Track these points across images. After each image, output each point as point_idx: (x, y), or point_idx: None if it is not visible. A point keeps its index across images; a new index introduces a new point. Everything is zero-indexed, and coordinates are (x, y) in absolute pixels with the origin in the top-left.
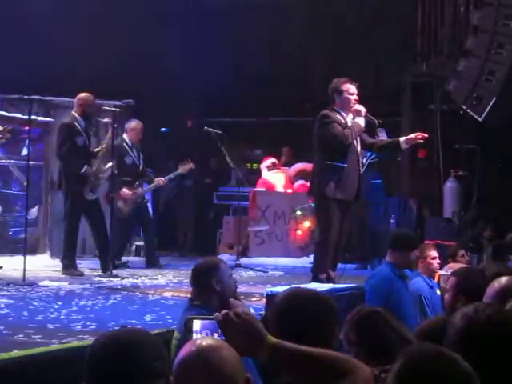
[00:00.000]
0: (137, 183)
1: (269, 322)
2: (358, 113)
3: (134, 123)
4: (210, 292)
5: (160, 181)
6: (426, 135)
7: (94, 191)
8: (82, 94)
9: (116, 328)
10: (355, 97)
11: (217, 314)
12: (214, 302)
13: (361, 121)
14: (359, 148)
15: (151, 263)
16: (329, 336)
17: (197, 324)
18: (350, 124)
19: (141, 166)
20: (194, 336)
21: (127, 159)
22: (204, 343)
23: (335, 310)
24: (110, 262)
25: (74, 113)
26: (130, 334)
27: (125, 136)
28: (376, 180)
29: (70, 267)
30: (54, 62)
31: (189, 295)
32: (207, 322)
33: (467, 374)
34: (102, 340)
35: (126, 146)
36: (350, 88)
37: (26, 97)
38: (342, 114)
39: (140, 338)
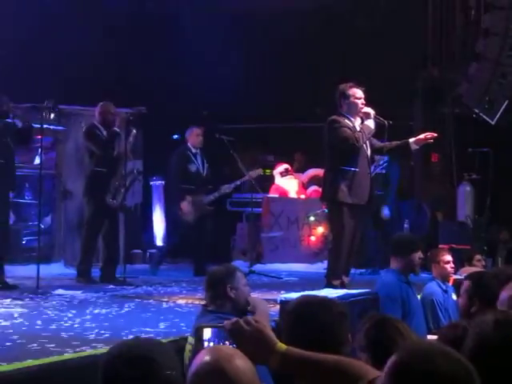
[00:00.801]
0: (202, 190)
1: (281, 328)
2: (367, 115)
3: (193, 129)
4: (223, 298)
5: (227, 188)
6: (436, 134)
7: (115, 198)
8: (103, 103)
9: (129, 337)
10: (362, 101)
11: (227, 321)
12: (228, 308)
13: (370, 123)
14: (369, 152)
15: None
16: (341, 342)
17: (207, 332)
18: (358, 128)
19: (205, 173)
20: (206, 344)
21: (191, 167)
22: (218, 352)
23: (347, 316)
24: (113, 272)
25: (94, 122)
26: (142, 343)
27: (188, 144)
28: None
29: (84, 274)
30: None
31: (202, 302)
32: (217, 329)
33: (467, 370)
34: (115, 350)
35: (189, 153)
36: (357, 92)
37: (37, 105)
38: (350, 118)
39: (153, 347)
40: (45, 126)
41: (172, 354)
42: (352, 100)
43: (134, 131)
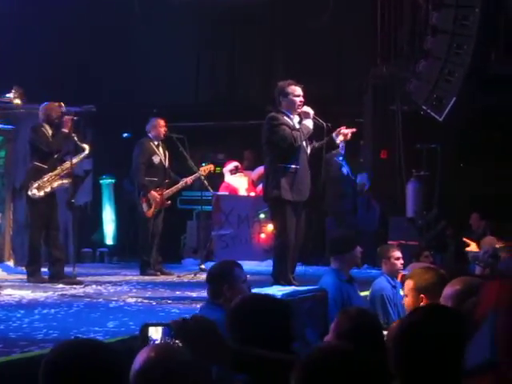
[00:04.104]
0: (165, 183)
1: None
2: (306, 115)
3: (153, 120)
4: (221, 296)
5: (187, 180)
6: (354, 130)
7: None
8: (47, 103)
9: (68, 340)
10: (301, 98)
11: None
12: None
13: (309, 123)
14: (309, 149)
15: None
16: (289, 339)
17: (155, 331)
18: (297, 126)
19: (167, 165)
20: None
21: (155, 158)
22: (162, 349)
23: (291, 313)
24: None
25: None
26: (79, 345)
27: (150, 135)
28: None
29: (34, 273)
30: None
31: (152, 301)
32: (166, 328)
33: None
34: (53, 353)
35: (152, 144)
36: (296, 90)
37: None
38: (290, 116)
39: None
40: None
41: (111, 354)
42: (291, 98)
43: (86, 153)
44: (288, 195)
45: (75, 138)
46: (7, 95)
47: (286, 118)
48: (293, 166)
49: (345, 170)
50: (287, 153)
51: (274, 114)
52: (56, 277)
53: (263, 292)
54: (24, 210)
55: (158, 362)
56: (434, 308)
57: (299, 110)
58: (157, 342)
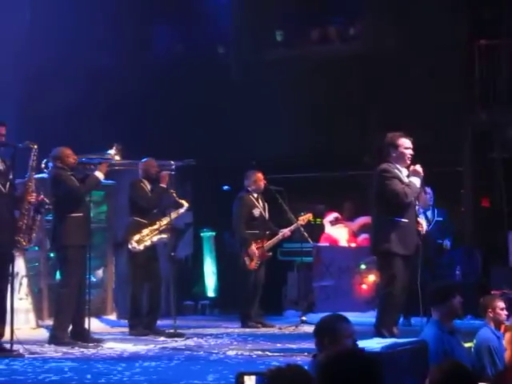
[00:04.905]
0: (266, 235)
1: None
2: (415, 173)
3: (252, 174)
4: (324, 349)
5: (286, 232)
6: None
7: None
8: (146, 159)
9: None
10: (410, 151)
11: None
12: None
13: (417, 181)
14: (417, 203)
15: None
16: None
17: (250, 380)
18: (406, 180)
19: (267, 217)
20: None
21: (255, 211)
22: None
23: (378, 370)
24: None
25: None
26: None
27: (249, 188)
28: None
29: (136, 326)
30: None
31: (252, 353)
32: (260, 376)
33: None
34: None
35: (252, 198)
36: (405, 142)
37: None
38: (400, 168)
39: None
40: None
41: None
42: (401, 150)
43: (185, 208)
44: (397, 249)
45: (174, 194)
46: (108, 151)
47: (396, 170)
48: (402, 220)
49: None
50: (397, 206)
51: (385, 165)
52: (147, 327)
53: (360, 345)
54: (126, 263)
55: None
56: None
57: (408, 162)
58: None
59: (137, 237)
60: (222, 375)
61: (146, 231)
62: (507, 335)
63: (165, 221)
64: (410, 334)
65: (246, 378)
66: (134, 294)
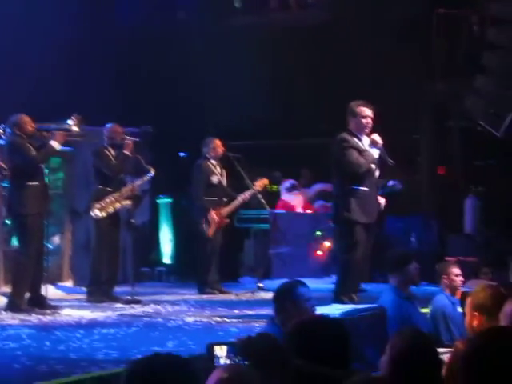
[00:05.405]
0: (224, 202)
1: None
2: (373, 143)
3: (210, 141)
4: (284, 313)
5: (244, 197)
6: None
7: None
8: (111, 125)
9: (148, 355)
10: (368, 120)
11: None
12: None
13: (374, 152)
14: (377, 172)
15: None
16: (344, 360)
17: (221, 349)
18: (367, 148)
19: (225, 184)
20: (222, 362)
21: (213, 178)
22: (234, 369)
23: (347, 335)
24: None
25: (104, 143)
26: (163, 360)
27: (207, 155)
28: None
29: (94, 293)
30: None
31: (210, 320)
32: (230, 346)
33: None
34: (136, 366)
35: (210, 164)
36: (364, 111)
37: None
38: (359, 136)
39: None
40: None
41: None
42: (359, 118)
43: (151, 174)
44: (358, 217)
45: (142, 161)
46: (67, 122)
47: (355, 139)
48: (361, 188)
49: None
50: (355, 175)
51: (344, 135)
52: (104, 294)
53: (322, 313)
54: (84, 231)
55: (230, 382)
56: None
57: (367, 131)
58: (228, 363)
59: (99, 204)
60: (182, 342)
61: (109, 198)
62: (467, 301)
63: (129, 187)
64: (367, 301)
65: (216, 348)
66: (94, 261)
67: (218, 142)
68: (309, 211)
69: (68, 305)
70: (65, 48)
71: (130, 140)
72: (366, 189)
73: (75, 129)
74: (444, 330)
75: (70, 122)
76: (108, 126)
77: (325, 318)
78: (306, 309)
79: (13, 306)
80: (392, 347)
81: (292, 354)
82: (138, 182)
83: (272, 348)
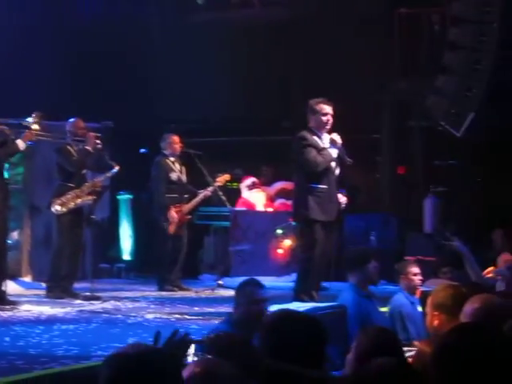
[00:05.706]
0: (184, 198)
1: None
2: (333, 142)
3: (168, 137)
4: (238, 310)
5: (207, 192)
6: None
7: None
8: (73, 119)
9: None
10: (328, 117)
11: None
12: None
13: (333, 151)
14: (337, 171)
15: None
16: (319, 358)
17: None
18: (326, 145)
19: (185, 181)
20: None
21: (172, 175)
22: (207, 364)
23: (325, 331)
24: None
25: (66, 139)
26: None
27: (165, 152)
28: None
29: (54, 289)
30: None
31: (171, 317)
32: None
33: None
34: (117, 358)
35: (168, 161)
36: (324, 108)
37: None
38: (319, 134)
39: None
40: None
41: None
42: (319, 116)
43: (115, 170)
44: (316, 215)
45: (106, 156)
46: (27, 119)
47: (314, 137)
48: (320, 186)
49: None
50: (313, 173)
51: (303, 133)
52: (64, 291)
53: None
54: (43, 226)
55: (203, 376)
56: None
57: (327, 128)
58: (200, 357)
59: (60, 200)
60: (142, 338)
61: (70, 194)
62: (428, 300)
63: (91, 183)
64: (327, 299)
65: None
66: (55, 256)
67: (175, 138)
68: (269, 209)
69: (27, 300)
70: (20, 36)
71: (91, 135)
72: (324, 187)
73: (35, 126)
74: (400, 329)
75: (30, 119)
76: (71, 120)
77: (300, 314)
78: (255, 309)
79: None
80: (357, 345)
81: (264, 351)
82: (101, 178)
83: (240, 345)
